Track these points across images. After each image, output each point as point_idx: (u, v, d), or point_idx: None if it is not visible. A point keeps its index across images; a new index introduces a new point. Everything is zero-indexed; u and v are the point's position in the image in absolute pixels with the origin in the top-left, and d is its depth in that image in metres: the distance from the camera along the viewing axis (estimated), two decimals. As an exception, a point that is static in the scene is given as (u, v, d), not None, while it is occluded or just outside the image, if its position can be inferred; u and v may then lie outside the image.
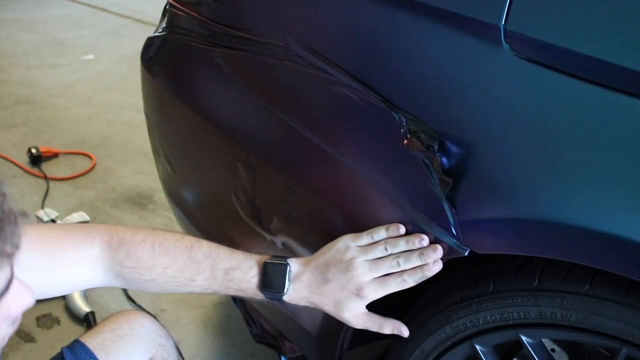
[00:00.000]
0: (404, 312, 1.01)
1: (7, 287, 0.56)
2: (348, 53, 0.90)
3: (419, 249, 0.84)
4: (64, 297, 1.84)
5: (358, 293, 0.85)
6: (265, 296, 0.87)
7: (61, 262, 0.86)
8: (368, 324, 0.88)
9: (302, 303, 0.88)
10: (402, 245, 0.85)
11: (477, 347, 0.89)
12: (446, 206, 0.79)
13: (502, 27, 0.72)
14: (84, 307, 1.78)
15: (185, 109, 1.22)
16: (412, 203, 0.84)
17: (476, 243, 0.79)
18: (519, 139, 0.72)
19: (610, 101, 0.65)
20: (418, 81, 0.82)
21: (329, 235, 0.97)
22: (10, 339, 1.85)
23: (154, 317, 1.45)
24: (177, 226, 1.57)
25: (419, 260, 0.83)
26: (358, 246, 0.87)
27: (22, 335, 1.74)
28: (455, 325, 0.89)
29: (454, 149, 0.78)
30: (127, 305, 1.87)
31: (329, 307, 0.87)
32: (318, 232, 1.00)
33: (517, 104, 0.72)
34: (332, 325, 1.06)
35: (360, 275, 0.85)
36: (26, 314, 1.99)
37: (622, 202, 0.65)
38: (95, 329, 1.02)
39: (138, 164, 2.65)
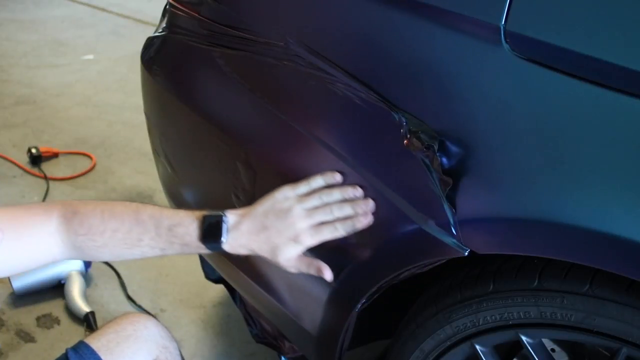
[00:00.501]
0: (404, 312, 1.01)
1: None
2: (348, 53, 0.90)
3: (353, 200, 0.90)
4: (64, 297, 1.84)
5: (295, 239, 0.90)
6: (207, 247, 0.92)
7: (25, 240, 0.92)
8: (300, 267, 0.93)
9: (242, 251, 0.93)
10: (336, 195, 0.91)
11: (477, 347, 0.89)
12: (446, 206, 0.79)
13: (502, 27, 0.72)
14: (84, 307, 1.78)
15: (185, 109, 1.22)
16: (412, 203, 0.84)
17: (476, 243, 0.79)
18: (519, 138, 0.72)
19: (610, 101, 0.65)
20: (418, 81, 0.82)
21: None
22: (10, 338, 1.85)
23: (155, 318, 1.45)
24: (177, 226, 1.57)
25: (350, 210, 0.89)
26: (296, 195, 0.91)
27: (22, 335, 1.74)
28: (455, 325, 0.89)
29: (454, 149, 0.78)
30: (127, 305, 1.87)
31: (266, 254, 0.92)
32: (318, 232, 1.00)
33: (517, 104, 0.72)
34: (332, 326, 1.06)
35: (297, 223, 0.90)
36: (26, 313, 1.99)
37: (622, 202, 0.65)
38: (99, 331, 1.03)
39: (138, 164, 2.65)
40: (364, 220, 0.89)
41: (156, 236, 0.92)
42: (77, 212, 0.93)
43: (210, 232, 0.91)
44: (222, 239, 0.91)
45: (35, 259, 0.94)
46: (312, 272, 0.93)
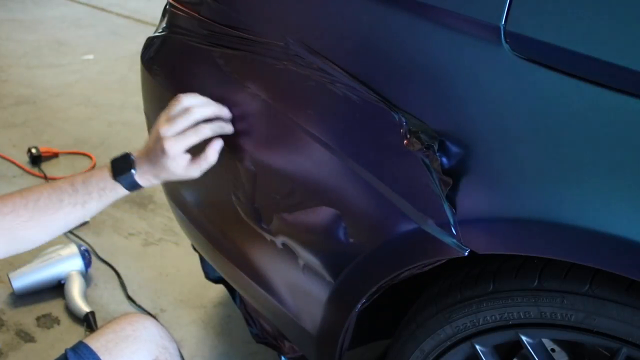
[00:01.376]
0: (404, 312, 1.01)
1: None
2: (348, 53, 0.90)
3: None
4: (64, 297, 1.84)
5: (162, 149, 0.98)
6: (122, 183, 1.00)
7: None
8: (200, 167, 1.02)
9: (152, 179, 1.03)
10: (199, 99, 1.03)
11: (477, 347, 0.89)
12: (446, 206, 0.79)
13: (502, 27, 0.72)
14: (83, 307, 1.78)
15: (185, 109, 1.22)
16: (412, 203, 0.84)
17: (476, 243, 0.79)
18: (518, 138, 0.72)
19: (610, 101, 0.65)
20: (418, 81, 0.82)
21: (329, 234, 0.97)
22: (10, 338, 1.85)
23: (155, 318, 1.45)
24: (177, 226, 1.57)
25: (213, 109, 1.03)
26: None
27: (22, 335, 1.74)
28: (455, 325, 0.89)
29: (454, 149, 0.78)
30: (127, 305, 1.87)
31: (163, 174, 1.01)
32: (318, 232, 1.00)
33: (517, 104, 0.72)
34: (332, 326, 1.06)
35: (160, 133, 0.99)
36: (26, 313, 1.99)
37: (622, 202, 0.65)
38: (98, 331, 1.03)
39: (138, 164, 2.64)
40: (228, 127, 1.03)
41: (73, 193, 0.99)
42: None
43: (120, 168, 1.01)
44: (132, 170, 1.00)
45: None
46: (212, 158, 1.01)
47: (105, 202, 1.02)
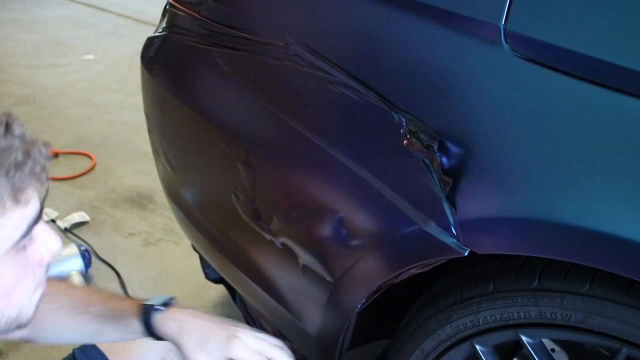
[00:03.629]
0: (404, 312, 1.01)
1: (35, 222, 0.61)
2: (348, 53, 0.90)
3: None
4: (64, 297, 1.84)
5: (229, 336, 0.86)
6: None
7: None
8: None
9: (170, 324, 0.88)
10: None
11: (477, 347, 0.89)
12: (446, 206, 0.79)
13: (502, 27, 0.72)
14: (84, 307, 1.78)
15: (186, 109, 1.22)
16: (412, 203, 0.84)
17: (476, 243, 0.79)
18: (519, 139, 0.72)
19: (610, 101, 0.65)
20: (418, 81, 0.82)
21: (329, 235, 0.97)
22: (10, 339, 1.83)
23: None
24: (177, 226, 1.57)
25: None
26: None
27: (22, 335, 1.74)
28: (455, 325, 0.89)
29: (454, 149, 0.78)
30: (127, 305, 1.87)
31: (190, 343, 0.86)
32: (318, 232, 1.00)
33: (517, 104, 0.72)
34: (332, 326, 1.06)
35: (242, 330, 0.88)
36: (26, 314, 1.92)
37: (622, 202, 0.65)
38: None
39: (138, 164, 2.65)
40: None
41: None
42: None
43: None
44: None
45: None
46: None
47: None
